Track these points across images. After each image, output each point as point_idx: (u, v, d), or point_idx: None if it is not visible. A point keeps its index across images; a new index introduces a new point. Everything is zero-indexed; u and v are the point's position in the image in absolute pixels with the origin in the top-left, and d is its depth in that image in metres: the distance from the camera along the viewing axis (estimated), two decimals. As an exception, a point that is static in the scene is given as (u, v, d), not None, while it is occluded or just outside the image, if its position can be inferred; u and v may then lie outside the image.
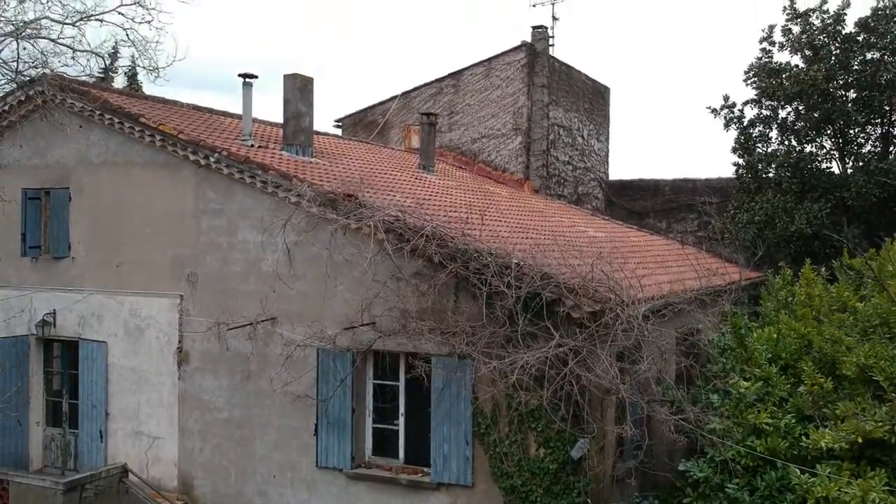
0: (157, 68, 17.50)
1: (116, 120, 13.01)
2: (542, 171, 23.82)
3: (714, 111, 23.57)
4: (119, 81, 49.61)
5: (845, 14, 21.51)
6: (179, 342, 12.72)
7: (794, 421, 10.00)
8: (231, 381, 12.30)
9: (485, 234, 11.79)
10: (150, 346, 13.02)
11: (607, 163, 29.38)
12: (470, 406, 10.61)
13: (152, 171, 13.02)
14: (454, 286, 10.69)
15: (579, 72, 26.66)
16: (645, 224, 27.76)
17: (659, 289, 12.61)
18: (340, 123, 25.95)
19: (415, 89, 24.93)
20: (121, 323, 13.26)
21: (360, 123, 25.71)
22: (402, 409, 11.49)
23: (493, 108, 23.87)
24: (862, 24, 21.45)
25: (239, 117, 16.07)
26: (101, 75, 49.96)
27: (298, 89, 15.02)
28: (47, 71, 13.40)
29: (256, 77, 14.25)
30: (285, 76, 15.11)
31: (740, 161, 23.17)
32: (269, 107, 56.54)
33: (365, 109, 25.64)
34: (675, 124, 58.70)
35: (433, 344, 10.60)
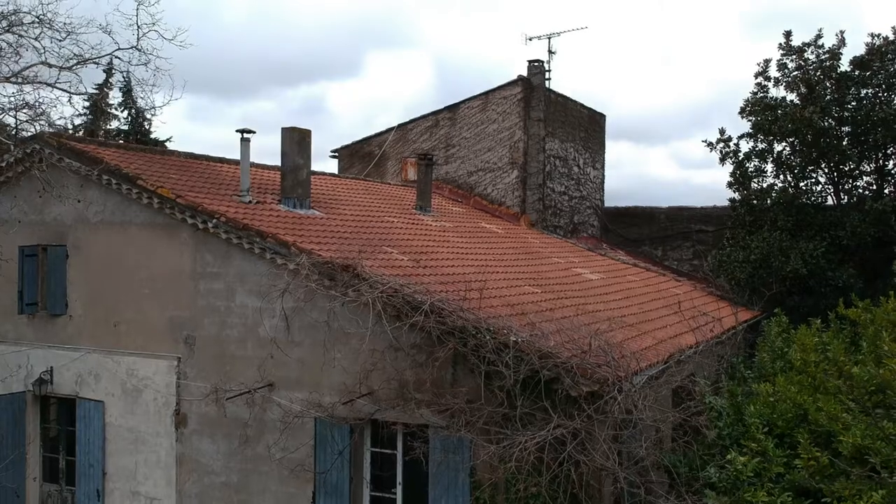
0: (153, 107, 17.54)
1: (114, 181, 13.00)
2: (539, 205, 23.88)
3: (710, 145, 23.66)
4: (113, 98, 49.41)
5: (841, 53, 21.62)
6: (177, 404, 12.73)
7: (790, 499, 10.03)
8: (229, 445, 12.30)
9: (483, 295, 11.79)
10: (147, 407, 13.02)
11: (603, 189, 29.46)
12: (468, 481, 10.64)
13: (150, 232, 13.01)
14: (452, 358, 10.71)
15: (575, 102, 26.75)
16: (641, 251, 27.88)
17: (656, 352, 12.64)
18: (337, 154, 25.98)
19: (411, 121, 24.97)
20: (118, 383, 13.26)
21: (357, 154, 25.74)
22: (399, 479, 11.51)
23: (490, 141, 23.93)
24: (857, 62, 21.55)
25: (237, 163, 16.10)
26: (96, 91, 49.33)
27: (296, 142, 15.06)
28: (44, 124, 13.48)
29: (254, 132, 14.29)
30: (283, 129, 15.17)
31: (736, 195, 23.28)
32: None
33: (361, 140, 25.67)
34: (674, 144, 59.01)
35: (431, 418, 10.63)
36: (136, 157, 14.45)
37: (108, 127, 49.22)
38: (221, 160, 16.91)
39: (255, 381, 11.95)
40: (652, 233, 28.23)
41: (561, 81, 45.19)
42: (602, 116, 29.28)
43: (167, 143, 48.32)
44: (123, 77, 14.52)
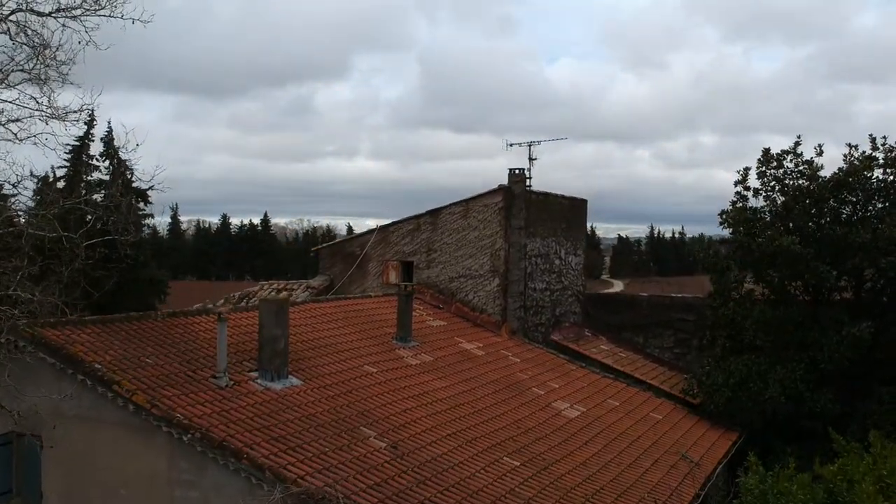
0: (133, 234, 17.44)
1: (89, 381, 12.92)
2: (520, 312, 23.93)
3: (690, 251, 23.79)
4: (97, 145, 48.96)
5: (819, 175, 21.80)
6: None
7: None
8: None
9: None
10: None
11: (583, 275, 29.56)
12: None
13: (125, 433, 12.92)
14: None
15: (556, 196, 26.85)
16: (622, 338, 28.01)
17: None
18: (317, 253, 25.98)
19: (393, 224, 25.00)
20: (94, 580, 13.17)
21: (339, 254, 25.73)
22: None
23: (471, 248, 23.96)
24: (835, 181, 21.70)
25: (216, 314, 16.12)
26: (77, 142, 48.67)
27: (274, 313, 15.05)
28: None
29: (228, 318, 14.26)
30: (261, 301, 15.16)
31: (716, 304, 23.39)
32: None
33: (343, 241, 25.70)
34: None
35: None
36: (113, 333, 14.34)
37: (89, 178, 48.94)
38: (200, 312, 16.88)
39: None
40: (634, 319, 28.32)
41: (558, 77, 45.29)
42: (583, 202, 29.40)
43: (149, 192, 48.18)
44: (109, 207, 14.51)
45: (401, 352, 18.93)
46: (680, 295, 28.54)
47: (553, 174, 77.50)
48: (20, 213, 15.30)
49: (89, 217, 15.96)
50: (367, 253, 25.07)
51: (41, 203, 15.45)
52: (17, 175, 14.91)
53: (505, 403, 17.98)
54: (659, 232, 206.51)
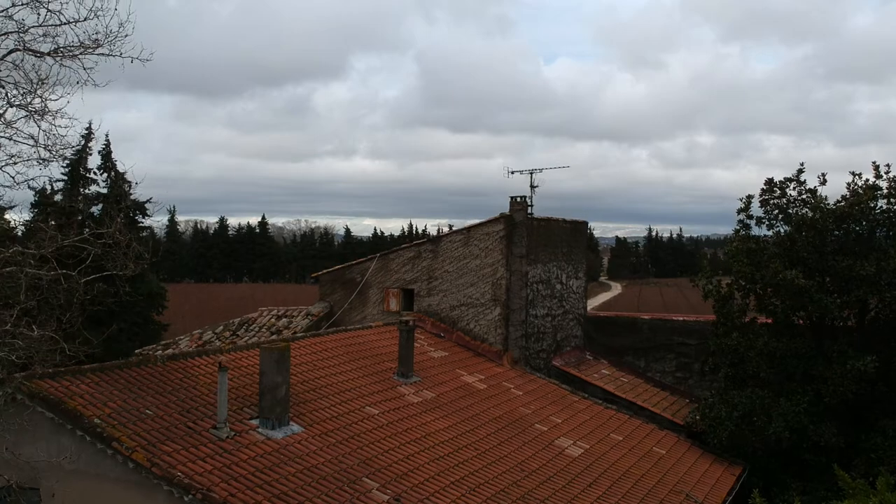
0: (133, 269, 17.22)
1: (88, 437, 12.76)
2: (521, 341, 23.78)
3: (693, 281, 23.70)
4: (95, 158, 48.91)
5: (822, 205, 21.64)
6: None
7: None
8: None
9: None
10: None
11: (585, 297, 29.43)
12: None
13: (125, 489, 12.74)
14: None
15: (557, 220, 26.73)
16: (624, 361, 27.89)
17: None
18: (317, 279, 25.82)
19: (393, 251, 24.84)
20: None
21: (339, 280, 25.57)
22: None
23: (472, 276, 23.80)
24: (839, 211, 21.55)
25: (215, 355, 15.99)
26: (74, 156, 48.44)
27: (275, 361, 14.89)
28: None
29: (228, 369, 14.12)
30: (262, 348, 15.00)
31: (719, 332, 23.25)
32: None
33: (343, 267, 25.52)
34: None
35: None
36: (112, 382, 14.16)
37: (86, 192, 48.73)
38: (199, 353, 16.75)
39: None
40: (635, 342, 28.18)
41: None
42: (584, 224, 29.30)
43: (147, 205, 48.05)
44: (107, 244, 14.40)
45: (402, 389, 18.77)
46: (681, 318, 28.37)
47: (551, 174, 77.06)
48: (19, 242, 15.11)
49: (87, 232, 15.73)
50: (367, 280, 24.91)
51: (38, 241, 15.28)
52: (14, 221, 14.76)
53: (508, 443, 17.81)
54: (657, 233, 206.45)
